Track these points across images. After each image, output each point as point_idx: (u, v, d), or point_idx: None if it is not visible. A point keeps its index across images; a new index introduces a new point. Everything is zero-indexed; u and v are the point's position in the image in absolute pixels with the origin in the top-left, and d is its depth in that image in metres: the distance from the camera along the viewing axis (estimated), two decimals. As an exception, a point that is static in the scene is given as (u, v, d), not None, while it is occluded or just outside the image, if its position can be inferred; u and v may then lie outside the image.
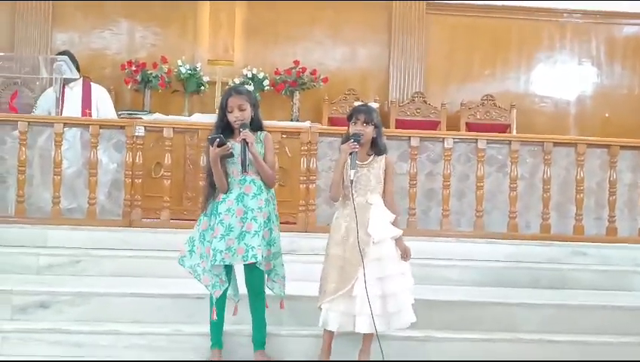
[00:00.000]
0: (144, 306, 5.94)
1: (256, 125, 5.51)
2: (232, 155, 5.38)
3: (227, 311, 5.55)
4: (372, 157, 5.48)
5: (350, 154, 5.32)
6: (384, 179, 5.48)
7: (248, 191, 5.41)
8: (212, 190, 5.48)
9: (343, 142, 5.45)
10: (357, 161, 5.36)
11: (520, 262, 7.17)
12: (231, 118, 5.42)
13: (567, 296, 6.55)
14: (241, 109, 5.41)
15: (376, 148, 5.49)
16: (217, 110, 5.56)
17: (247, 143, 5.33)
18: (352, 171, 5.32)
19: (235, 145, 5.38)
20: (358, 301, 5.28)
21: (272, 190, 5.55)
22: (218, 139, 5.32)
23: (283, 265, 5.59)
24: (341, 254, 5.37)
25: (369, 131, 5.43)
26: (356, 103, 5.84)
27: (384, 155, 5.50)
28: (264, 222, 5.38)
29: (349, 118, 5.51)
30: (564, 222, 7.83)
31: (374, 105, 5.70)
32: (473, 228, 7.64)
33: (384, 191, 5.48)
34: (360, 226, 5.30)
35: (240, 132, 5.35)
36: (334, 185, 5.49)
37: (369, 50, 12.08)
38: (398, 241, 5.45)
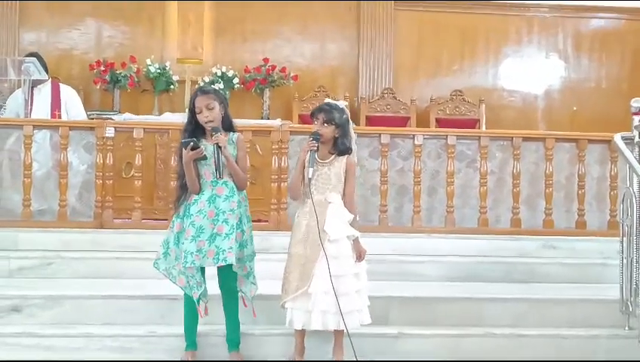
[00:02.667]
0: (116, 308, 5.92)
1: (226, 124, 5.51)
2: (205, 158, 5.38)
3: (212, 312, 5.55)
4: (334, 156, 5.49)
5: (309, 152, 5.36)
6: (344, 179, 5.50)
7: (220, 193, 5.41)
8: (184, 191, 5.47)
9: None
10: (317, 159, 5.39)
11: (491, 257, 7.20)
12: (200, 118, 5.41)
13: (537, 290, 6.59)
14: (208, 108, 5.39)
15: (336, 147, 5.51)
16: (187, 111, 5.55)
17: (220, 148, 5.34)
18: (311, 169, 5.34)
19: (207, 146, 5.38)
20: (312, 297, 5.32)
21: (244, 191, 5.56)
22: (192, 143, 5.32)
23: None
24: (302, 252, 5.39)
25: (329, 131, 5.44)
26: (327, 100, 5.82)
27: (346, 156, 5.52)
28: (236, 224, 5.38)
29: (311, 115, 5.54)
30: (534, 216, 7.89)
31: (342, 103, 5.67)
32: (444, 223, 7.68)
33: (344, 191, 5.50)
34: (319, 223, 5.33)
35: (212, 135, 5.36)
36: (293, 184, 5.53)
37: (338, 47, 12.11)
38: (355, 242, 5.47)
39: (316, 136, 5.39)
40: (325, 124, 5.44)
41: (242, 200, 5.51)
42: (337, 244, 5.39)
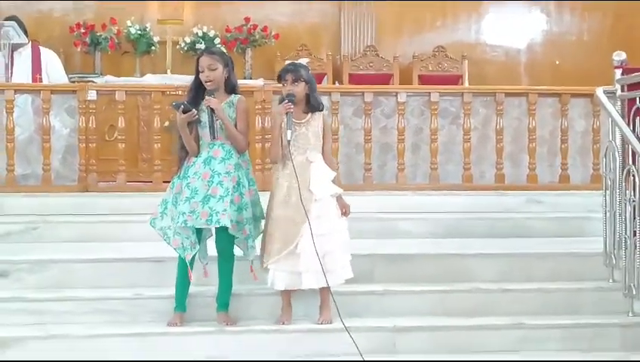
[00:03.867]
0: (103, 271, 5.93)
1: (229, 87, 5.54)
2: (200, 120, 5.40)
3: (200, 273, 5.60)
4: (309, 115, 5.51)
5: (286, 114, 5.36)
6: (322, 136, 5.51)
7: (216, 155, 5.43)
8: (184, 152, 5.50)
9: (279, 104, 5.47)
10: (294, 120, 5.41)
11: (475, 213, 7.23)
12: (202, 77, 5.45)
13: (522, 245, 6.62)
14: (211, 69, 5.43)
15: (310, 105, 5.52)
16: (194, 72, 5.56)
17: (212, 110, 5.34)
18: (289, 131, 5.36)
19: (202, 110, 5.40)
20: (302, 257, 5.36)
21: (247, 154, 5.58)
22: (182, 106, 5.33)
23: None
24: (284, 214, 5.42)
25: (300, 89, 5.46)
26: (287, 62, 5.82)
27: (321, 112, 5.53)
28: (233, 186, 5.39)
29: (278, 79, 5.54)
30: (518, 172, 7.91)
31: (304, 60, 5.70)
32: (429, 180, 7.69)
33: (323, 149, 5.53)
34: (301, 184, 5.35)
35: (205, 98, 5.38)
36: (273, 147, 5.56)
37: (319, 5, 12.07)
38: (338, 199, 5.51)
39: (291, 98, 5.41)
40: (295, 83, 5.45)
41: (242, 163, 5.52)
42: (322, 203, 5.44)
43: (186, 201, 5.36)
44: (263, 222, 5.62)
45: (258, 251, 5.57)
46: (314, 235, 5.31)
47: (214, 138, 5.41)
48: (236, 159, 5.47)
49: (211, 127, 5.38)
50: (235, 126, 5.47)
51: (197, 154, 5.47)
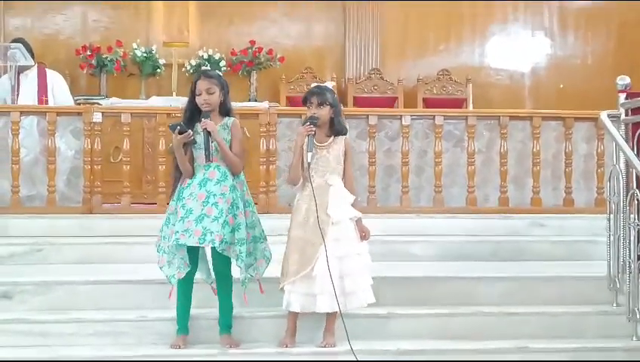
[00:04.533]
0: (107, 293, 5.93)
1: (224, 110, 5.56)
2: (195, 142, 5.42)
3: (203, 295, 5.60)
4: (332, 138, 5.53)
5: (307, 136, 5.38)
6: (344, 161, 5.53)
7: (212, 176, 5.44)
8: (179, 174, 5.52)
9: (302, 125, 5.49)
10: (316, 143, 5.43)
11: (480, 236, 7.24)
12: (198, 100, 5.46)
13: (526, 268, 6.62)
14: (209, 93, 5.45)
15: (334, 128, 5.53)
16: (188, 93, 5.58)
17: (209, 133, 5.36)
18: (309, 154, 5.38)
19: (197, 132, 5.42)
20: (318, 280, 5.36)
21: (242, 176, 5.58)
22: (179, 127, 5.35)
23: (251, 252, 5.58)
24: (302, 236, 5.43)
25: (325, 113, 5.47)
26: (313, 85, 5.84)
27: (344, 136, 5.54)
28: (228, 208, 5.39)
29: (304, 101, 5.55)
30: (522, 195, 7.93)
31: (330, 84, 5.71)
32: (433, 203, 7.71)
33: (344, 173, 5.54)
34: (319, 207, 5.36)
35: (201, 120, 5.39)
36: (293, 169, 5.55)
37: (324, 27, 12.09)
38: (357, 222, 5.52)
39: (313, 120, 5.42)
40: (320, 106, 5.46)
41: (238, 185, 5.52)
42: (340, 226, 5.44)
43: (180, 221, 5.37)
44: (264, 244, 5.62)
45: (244, 273, 5.53)
46: (331, 258, 5.31)
47: (209, 160, 5.41)
48: (231, 181, 5.47)
49: (207, 148, 5.38)
50: (230, 148, 5.49)
51: (191, 176, 5.48)
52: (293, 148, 5.64)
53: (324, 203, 5.41)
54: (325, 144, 5.51)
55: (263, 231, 5.64)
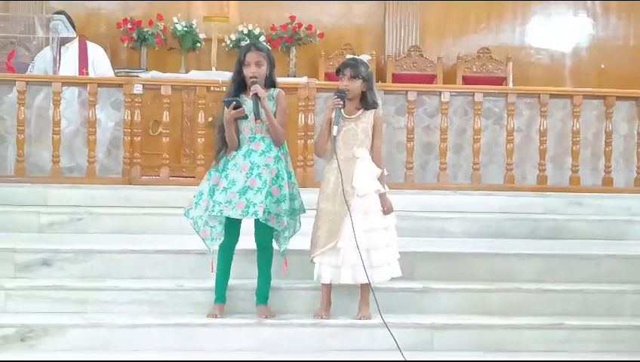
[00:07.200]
0: (145, 262, 5.99)
1: (269, 84, 5.57)
2: (246, 117, 5.45)
3: (241, 266, 5.66)
4: (361, 111, 5.52)
5: (334, 110, 5.38)
6: (372, 134, 5.52)
7: (257, 148, 5.47)
8: (224, 145, 5.54)
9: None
10: (345, 115, 5.44)
11: (517, 214, 7.23)
12: (247, 72, 5.48)
13: (563, 246, 6.62)
14: (258, 65, 5.47)
15: (365, 102, 5.52)
16: (235, 65, 5.59)
17: (258, 98, 5.38)
18: (335, 127, 5.39)
19: (246, 102, 5.45)
20: (341, 252, 5.39)
21: (285, 147, 5.61)
22: (234, 102, 5.39)
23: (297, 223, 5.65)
24: (330, 208, 5.46)
25: (356, 86, 5.47)
26: (348, 56, 5.83)
27: (374, 110, 5.53)
28: (272, 179, 5.42)
29: (337, 72, 5.55)
30: (561, 174, 7.89)
31: (365, 57, 5.69)
32: (470, 180, 7.69)
33: (372, 146, 5.53)
34: (345, 179, 5.38)
35: (251, 85, 5.41)
36: (319, 142, 5.59)
37: (365, 5, 12.04)
38: (381, 196, 5.50)
39: (342, 94, 5.43)
40: (353, 79, 5.45)
41: (282, 156, 5.55)
42: (366, 199, 5.44)
43: (222, 191, 5.40)
44: (301, 215, 5.64)
45: (286, 246, 5.59)
46: (358, 230, 5.33)
47: (258, 119, 5.40)
48: (276, 152, 5.50)
49: (256, 112, 5.39)
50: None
51: (237, 148, 5.51)
52: (322, 121, 5.64)
53: (350, 175, 5.42)
54: (354, 117, 5.50)
55: (302, 203, 5.66)
